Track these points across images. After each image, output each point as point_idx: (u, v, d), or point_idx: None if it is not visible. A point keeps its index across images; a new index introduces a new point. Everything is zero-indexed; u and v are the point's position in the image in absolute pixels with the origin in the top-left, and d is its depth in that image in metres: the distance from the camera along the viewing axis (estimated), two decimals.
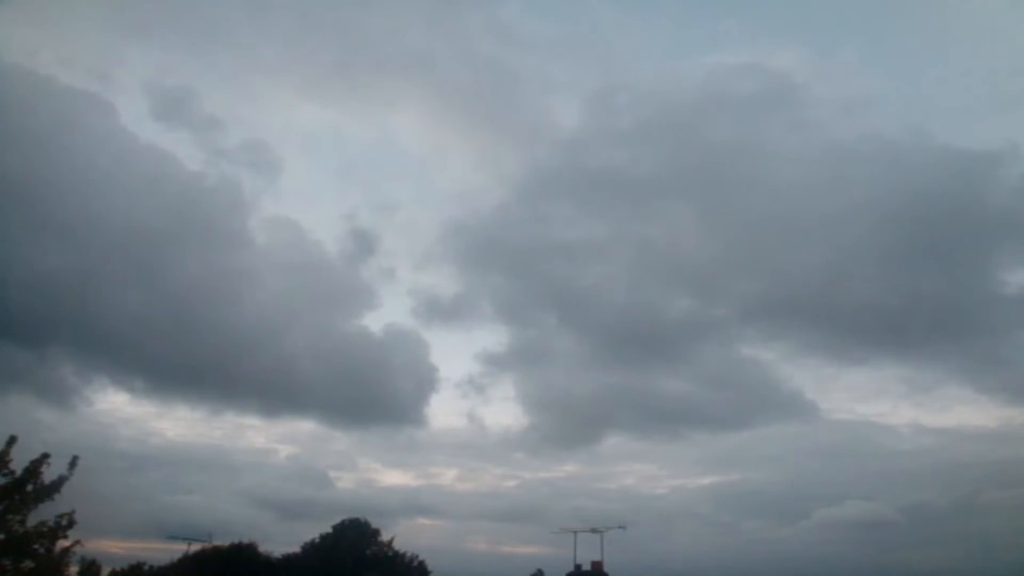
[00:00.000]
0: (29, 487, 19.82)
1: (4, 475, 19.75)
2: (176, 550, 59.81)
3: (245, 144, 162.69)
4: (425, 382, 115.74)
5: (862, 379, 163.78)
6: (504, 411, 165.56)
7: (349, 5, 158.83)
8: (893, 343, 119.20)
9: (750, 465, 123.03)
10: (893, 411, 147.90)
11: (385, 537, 63.11)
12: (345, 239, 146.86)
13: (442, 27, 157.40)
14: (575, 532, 63.78)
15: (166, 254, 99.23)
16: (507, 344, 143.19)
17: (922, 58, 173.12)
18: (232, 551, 59.49)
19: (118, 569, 56.37)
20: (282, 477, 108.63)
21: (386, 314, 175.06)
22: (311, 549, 61.19)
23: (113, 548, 66.34)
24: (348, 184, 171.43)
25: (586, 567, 62.42)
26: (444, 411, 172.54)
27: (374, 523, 63.58)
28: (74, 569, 22.87)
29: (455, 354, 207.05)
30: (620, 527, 63.92)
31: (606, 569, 61.80)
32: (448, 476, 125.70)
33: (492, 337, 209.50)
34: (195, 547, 59.41)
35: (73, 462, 20.19)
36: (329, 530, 62.29)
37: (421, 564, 63.21)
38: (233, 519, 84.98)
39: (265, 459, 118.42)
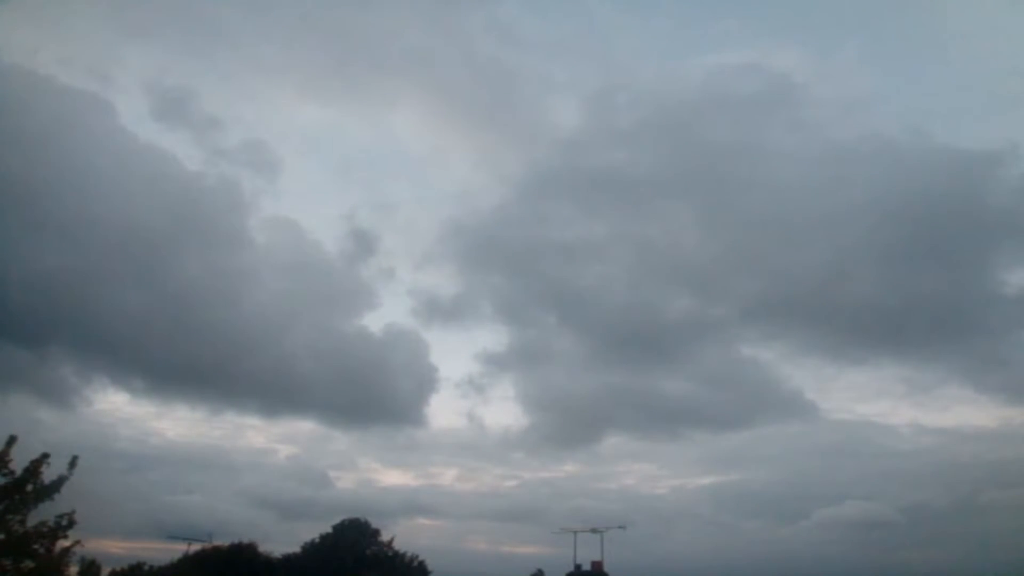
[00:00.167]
0: (29, 487, 19.80)
1: (4, 475, 19.73)
2: (176, 550, 59.97)
3: (245, 144, 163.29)
4: (425, 382, 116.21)
5: (862, 379, 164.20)
6: (504, 411, 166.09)
7: (348, 5, 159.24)
8: (893, 343, 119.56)
9: (750, 465, 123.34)
10: (893, 411, 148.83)
11: (385, 537, 63.22)
12: (345, 239, 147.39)
13: (441, 27, 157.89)
14: (575, 532, 63.88)
15: (166, 254, 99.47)
16: (507, 344, 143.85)
17: (922, 58, 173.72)
18: (232, 551, 59.49)
19: (118, 569, 56.48)
20: (282, 477, 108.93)
21: (386, 314, 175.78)
22: (311, 549, 61.18)
23: (113, 548, 66.43)
24: (348, 184, 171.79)
25: (586, 567, 62.47)
26: (444, 411, 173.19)
27: (374, 523, 63.74)
28: (74, 569, 22.85)
29: (455, 354, 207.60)
30: (620, 527, 64.01)
31: (606, 569, 61.84)
32: (448, 476, 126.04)
33: (492, 337, 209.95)
34: (195, 547, 59.52)
35: (73, 462, 20.18)
36: (329, 530, 62.35)
37: (421, 564, 63.23)
38: (233, 519, 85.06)
39: (265, 459, 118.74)
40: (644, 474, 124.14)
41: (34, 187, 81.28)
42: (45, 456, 20.04)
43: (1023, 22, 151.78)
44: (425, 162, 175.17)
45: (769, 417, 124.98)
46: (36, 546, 19.81)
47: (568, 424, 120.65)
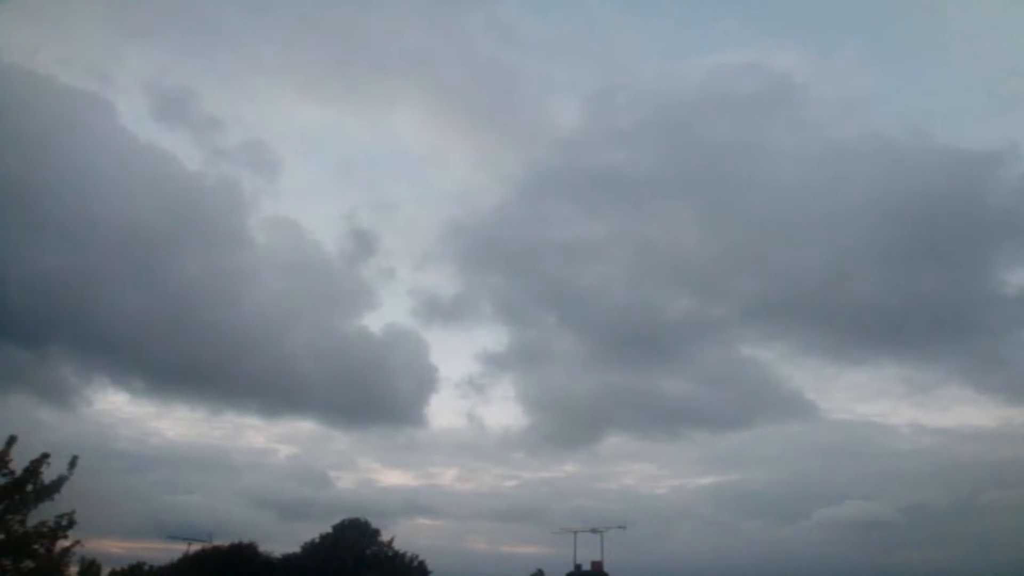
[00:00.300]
0: (29, 487, 19.80)
1: (4, 475, 19.74)
2: (176, 550, 60.00)
3: (245, 144, 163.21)
4: (425, 382, 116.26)
5: (862, 379, 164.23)
6: (504, 411, 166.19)
7: (348, 5, 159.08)
8: (893, 343, 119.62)
9: (750, 465, 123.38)
10: (893, 411, 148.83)
11: (384, 537, 63.21)
12: (345, 239, 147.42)
13: (441, 27, 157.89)
14: (575, 532, 63.87)
15: (166, 254, 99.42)
16: (507, 344, 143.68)
17: (922, 58, 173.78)
18: (232, 551, 59.51)
19: (118, 569, 56.53)
20: (282, 477, 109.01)
21: (386, 314, 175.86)
22: (311, 549, 61.18)
23: (113, 548, 66.49)
24: (348, 184, 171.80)
25: (586, 567, 62.48)
26: (444, 411, 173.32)
27: (374, 523, 63.71)
28: (74, 569, 22.86)
29: (455, 354, 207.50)
30: (620, 527, 64.02)
31: (606, 569, 61.84)
32: (447, 476, 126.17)
33: (492, 337, 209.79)
34: (195, 547, 59.54)
35: (73, 462, 20.19)
36: (329, 530, 62.34)
37: (421, 564, 63.21)
38: (233, 519, 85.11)
39: (264, 459, 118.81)
40: (644, 474, 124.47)
41: (34, 187, 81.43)
42: (45, 456, 20.05)
43: (1023, 22, 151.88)
44: (425, 162, 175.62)
45: (769, 417, 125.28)
46: (36, 546, 19.81)
47: (568, 424, 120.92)
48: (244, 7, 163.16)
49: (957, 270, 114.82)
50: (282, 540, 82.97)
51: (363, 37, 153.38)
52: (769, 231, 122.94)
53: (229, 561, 57.84)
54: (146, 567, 58.18)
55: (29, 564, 20.11)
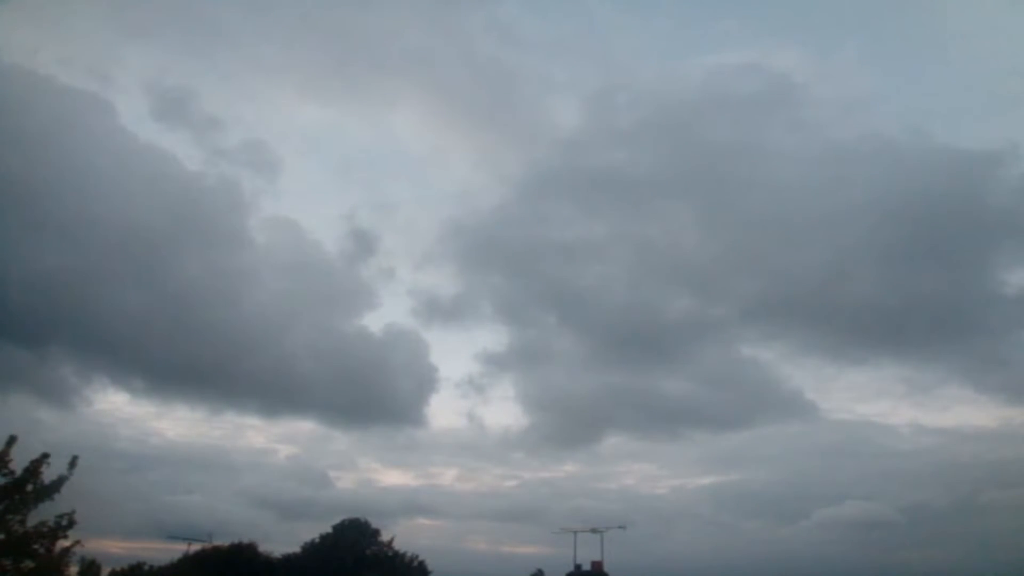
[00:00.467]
0: (29, 487, 19.80)
1: (4, 475, 19.74)
2: (176, 550, 59.99)
3: (245, 144, 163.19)
4: (425, 382, 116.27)
5: (863, 379, 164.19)
6: (504, 411, 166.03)
7: (348, 5, 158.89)
8: (893, 343, 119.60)
9: (750, 465, 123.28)
10: (893, 411, 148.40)
11: (384, 537, 63.23)
12: (345, 239, 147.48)
13: (442, 27, 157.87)
14: (575, 532, 63.82)
15: (166, 254, 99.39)
16: (507, 344, 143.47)
17: (922, 58, 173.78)
18: (232, 551, 59.51)
19: (118, 569, 56.55)
20: (282, 477, 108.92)
21: (386, 314, 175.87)
22: (311, 549, 61.19)
23: (113, 548, 66.47)
24: (348, 184, 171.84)
25: (586, 567, 62.47)
26: (444, 411, 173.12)
27: (374, 523, 63.74)
28: (74, 569, 22.85)
29: (455, 354, 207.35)
30: (620, 527, 63.96)
31: (605, 569, 61.83)
32: (448, 476, 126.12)
33: (492, 337, 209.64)
34: (195, 547, 59.52)
35: (73, 462, 20.18)
36: (329, 530, 62.37)
37: (421, 564, 63.22)
38: (233, 519, 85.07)
39: (265, 459, 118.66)
40: (644, 474, 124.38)
41: (34, 187, 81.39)
42: (45, 456, 20.05)
43: (1023, 22, 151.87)
44: (425, 162, 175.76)
45: (769, 417, 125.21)
46: (36, 546, 19.81)
47: (568, 424, 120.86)
48: (244, 7, 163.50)
49: (957, 270, 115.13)
50: (282, 540, 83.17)
51: (363, 37, 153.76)
52: (769, 231, 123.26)
53: (229, 561, 57.85)
54: (146, 567, 58.22)
55: (29, 564, 20.11)
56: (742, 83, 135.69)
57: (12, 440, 19.91)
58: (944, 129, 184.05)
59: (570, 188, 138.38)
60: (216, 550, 59.33)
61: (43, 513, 19.91)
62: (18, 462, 19.79)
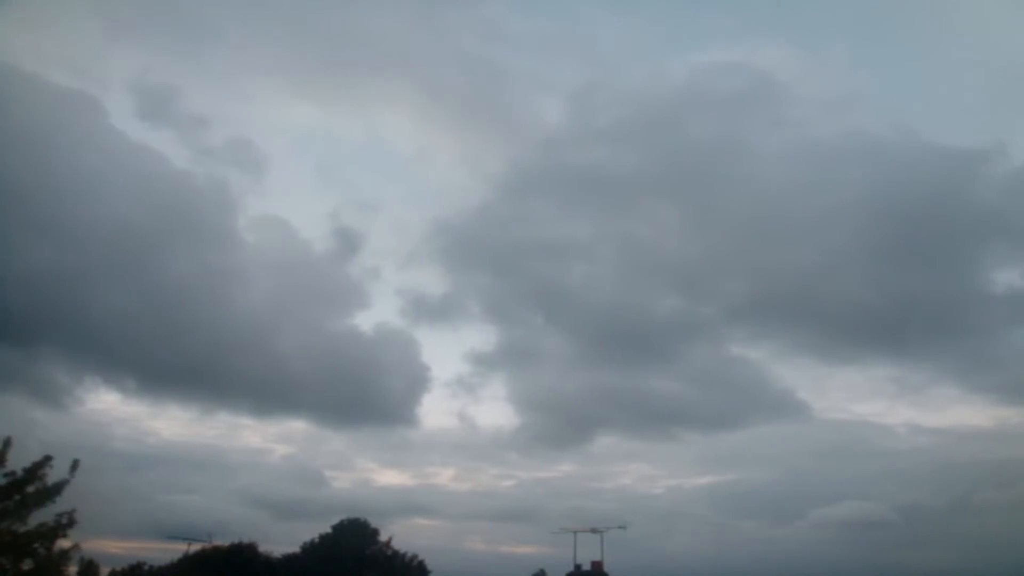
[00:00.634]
0: (31, 489, 19.91)
1: (3, 476, 19.85)
2: (175, 550, 59.98)
3: (233, 143, 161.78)
4: (417, 381, 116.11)
5: (859, 379, 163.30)
6: (494, 411, 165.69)
7: (334, 4, 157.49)
8: (883, 343, 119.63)
9: (746, 465, 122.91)
10: (888, 411, 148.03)
11: (383, 537, 63.38)
12: (331, 238, 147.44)
13: (428, 26, 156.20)
14: (575, 532, 63.83)
15: (157, 253, 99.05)
16: (495, 344, 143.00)
17: (910, 56, 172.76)
18: (232, 551, 59.62)
19: (118, 569, 56.62)
20: (276, 477, 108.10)
21: (375, 314, 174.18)
22: (311, 549, 61.34)
23: (111, 548, 66.36)
24: (334, 183, 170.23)
25: (585, 567, 62.53)
26: (435, 411, 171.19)
27: (371, 523, 63.82)
28: (73, 569, 22.95)
29: (444, 354, 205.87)
30: (620, 527, 63.98)
31: (605, 569, 61.91)
32: (443, 476, 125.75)
33: (480, 336, 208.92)
34: (195, 547, 59.56)
35: (74, 465, 20.28)
36: (328, 530, 62.54)
37: (421, 564, 63.39)
38: (229, 518, 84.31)
39: (259, 459, 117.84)
40: (640, 474, 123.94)
41: (23, 186, 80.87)
42: (48, 458, 20.16)
43: (1012, 19, 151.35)
44: (411, 161, 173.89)
45: (763, 417, 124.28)
46: (36, 546, 19.92)
47: (559, 424, 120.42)
48: (231, 6, 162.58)
49: (945, 269, 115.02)
50: (279, 540, 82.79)
51: (349, 36, 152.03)
52: (756, 230, 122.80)
53: (229, 561, 57.95)
54: (146, 567, 58.32)
55: (29, 564, 20.22)
56: (729, 81, 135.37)
57: (8, 441, 20.01)
58: (932, 127, 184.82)
59: (555, 186, 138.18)
60: (216, 550, 59.40)
61: (42, 514, 20.01)
62: (13, 462, 19.89)
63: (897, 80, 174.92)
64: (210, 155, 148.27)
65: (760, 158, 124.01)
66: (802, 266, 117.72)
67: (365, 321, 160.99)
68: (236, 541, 61.15)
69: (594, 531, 63.09)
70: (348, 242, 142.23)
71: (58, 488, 19.99)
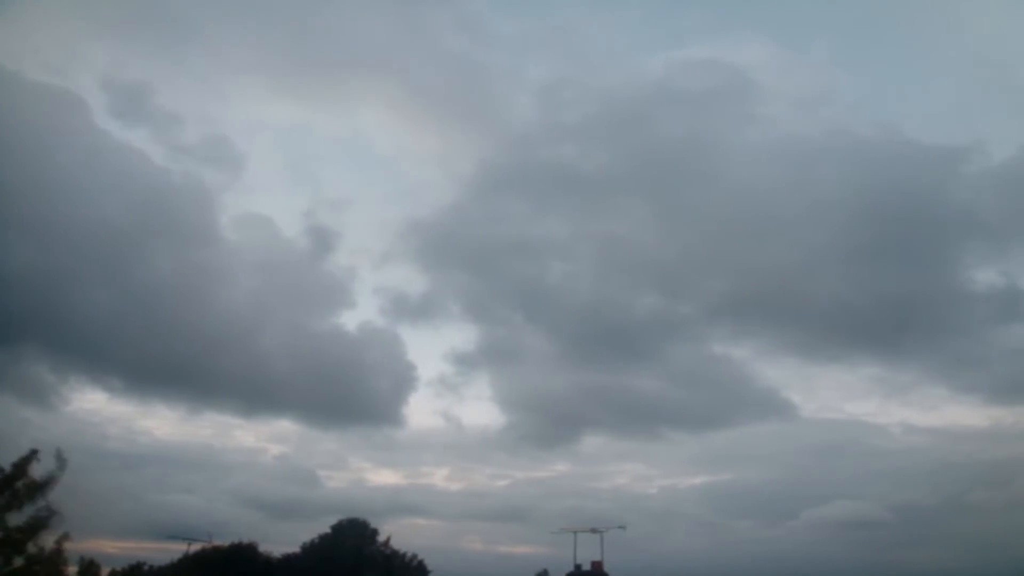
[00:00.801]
0: (19, 484, 20.02)
1: None
2: (175, 550, 59.92)
3: (209, 140, 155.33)
4: (403, 381, 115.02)
5: (847, 377, 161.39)
6: (479, 410, 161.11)
7: (313, 2, 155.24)
8: (868, 341, 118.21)
9: (740, 465, 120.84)
10: (880, 410, 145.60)
11: (382, 537, 63.42)
12: (310, 237, 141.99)
13: (408, 24, 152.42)
14: (575, 532, 63.61)
15: (141, 252, 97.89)
16: (477, 343, 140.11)
17: (892, 53, 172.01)
18: (232, 551, 59.69)
19: (118, 569, 56.74)
20: (270, 477, 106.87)
21: (357, 313, 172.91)
22: (310, 549, 61.40)
23: (109, 548, 66.25)
24: (310, 181, 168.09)
25: (584, 567, 62.29)
26: (420, 410, 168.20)
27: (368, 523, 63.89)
28: (73, 569, 23.06)
29: (425, 353, 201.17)
30: (620, 527, 63.75)
31: (605, 569, 61.72)
32: (436, 475, 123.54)
33: (461, 336, 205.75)
34: (195, 547, 59.55)
35: (59, 457, 20.39)
36: (327, 530, 62.60)
37: (420, 564, 63.40)
38: (223, 519, 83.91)
39: (253, 458, 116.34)
40: (634, 474, 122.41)
41: (5, 185, 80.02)
42: (34, 452, 20.28)
43: (994, 17, 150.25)
44: (389, 159, 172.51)
45: (752, 416, 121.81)
46: (22, 539, 20.01)
47: (545, 423, 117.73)
48: (209, 4, 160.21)
49: (927, 267, 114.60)
50: (275, 539, 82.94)
51: (327, 34, 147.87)
52: (734, 228, 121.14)
53: (229, 561, 58.04)
54: (146, 567, 58.45)
55: (20, 561, 20.32)
56: (704, 78, 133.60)
57: None
58: (913, 125, 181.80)
59: (532, 184, 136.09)
60: (216, 550, 59.44)
61: (31, 510, 20.12)
62: (3, 461, 20.00)
63: (878, 77, 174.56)
64: (186, 153, 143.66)
65: (737, 155, 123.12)
66: (782, 264, 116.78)
67: (349, 320, 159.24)
68: (236, 541, 61.37)
69: (594, 531, 62.90)
70: (323, 240, 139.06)
71: (47, 483, 20.09)
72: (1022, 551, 70.13)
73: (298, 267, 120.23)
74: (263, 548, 62.14)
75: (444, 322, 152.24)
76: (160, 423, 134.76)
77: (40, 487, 20.42)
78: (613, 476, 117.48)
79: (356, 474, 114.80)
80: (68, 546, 21.33)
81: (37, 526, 20.09)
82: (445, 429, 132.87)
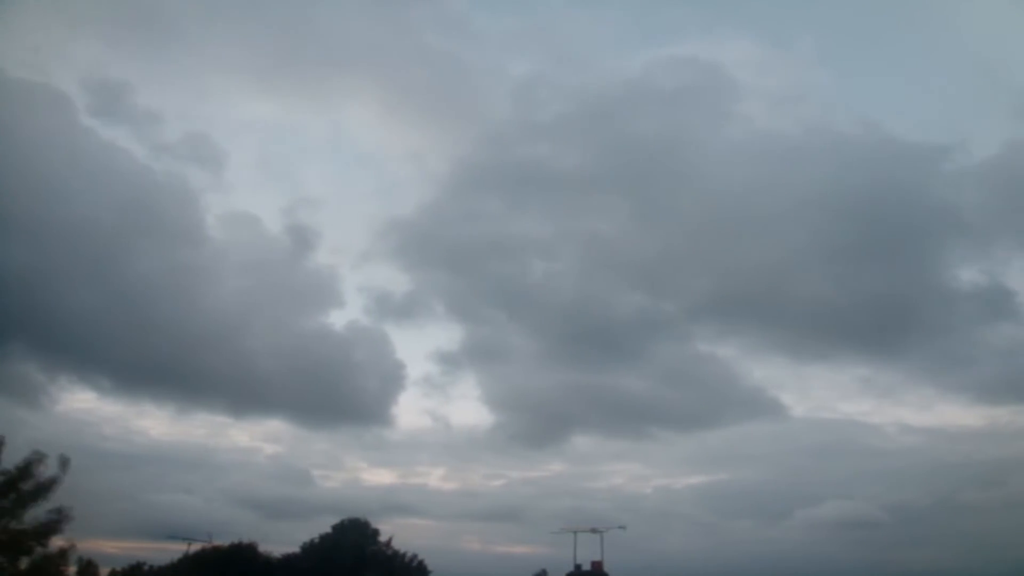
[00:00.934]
0: (24, 486, 20.07)
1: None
2: (174, 550, 59.87)
3: (190, 138, 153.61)
4: (393, 380, 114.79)
5: (837, 376, 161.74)
6: (466, 409, 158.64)
7: (296, 1, 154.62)
8: (854, 340, 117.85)
9: (734, 465, 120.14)
10: (876, 410, 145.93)
11: (383, 537, 63.50)
12: (290, 235, 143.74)
13: (390, 22, 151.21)
14: (575, 532, 63.61)
15: (126, 250, 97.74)
16: (461, 342, 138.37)
17: (878, 51, 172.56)
18: (232, 551, 59.68)
19: (117, 569, 56.74)
20: (264, 476, 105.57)
21: (345, 313, 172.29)
22: (311, 549, 61.44)
23: (108, 548, 66.05)
24: (290, 179, 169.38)
25: (571, 568, 62.11)
26: (408, 410, 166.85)
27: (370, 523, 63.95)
28: (72, 569, 23.11)
29: (411, 352, 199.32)
30: (620, 527, 63.77)
31: (605, 569, 61.79)
32: (432, 475, 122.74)
33: (446, 335, 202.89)
34: (195, 547, 59.51)
35: (63, 462, 20.44)
36: (328, 530, 62.66)
37: (420, 564, 63.44)
38: (220, 518, 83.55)
39: (248, 458, 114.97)
40: (630, 474, 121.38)
41: None
42: (40, 455, 20.32)
43: (978, 15, 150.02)
44: (371, 156, 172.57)
45: (742, 415, 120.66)
46: (32, 543, 20.06)
47: (533, 423, 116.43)
48: (190, 2, 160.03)
49: (910, 266, 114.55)
50: (272, 539, 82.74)
51: (308, 31, 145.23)
52: (716, 227, 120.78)
53: (229, 561, 58.03)
54: (146, 567, 58.43)
55: (25, 562, 20.37)
56: (692, 75, 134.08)
57: (1, 441, 20.16)
58: (897, 123, 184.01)
59: (513, 182, 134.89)
60: (216, 550, 59.41)
61: (37, 512, 20.17)
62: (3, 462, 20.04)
63: (863, 75, 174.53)
64: (167, 151, 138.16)
65: (718, 153, 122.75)
66: (764, 263, 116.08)
67: (337, 319, 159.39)
68: (236, 541, 61.34)
69: (594, 531, 62.92)
70: (303, 239, 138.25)
71: (51, 485, 20.14)
72: (1017, 551, 69.96)
73: (283, 266, 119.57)
74: (262, 548, 62.20)
75: (428, 321, 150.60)
76: (155, 423, 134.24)
77: (44, 489, 20.40)
78: (608, 476, 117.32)
79: (351, 474, 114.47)
80: (67, 545, 21.27)
81: (48, 530, 20.11)
82: (434, 429, 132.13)
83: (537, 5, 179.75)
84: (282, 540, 63.99)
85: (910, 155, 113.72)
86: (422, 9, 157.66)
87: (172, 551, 60.03)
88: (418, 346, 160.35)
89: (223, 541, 60.59)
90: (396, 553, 62.78)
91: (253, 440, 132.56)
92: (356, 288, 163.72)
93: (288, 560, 61.49)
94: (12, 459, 20.55)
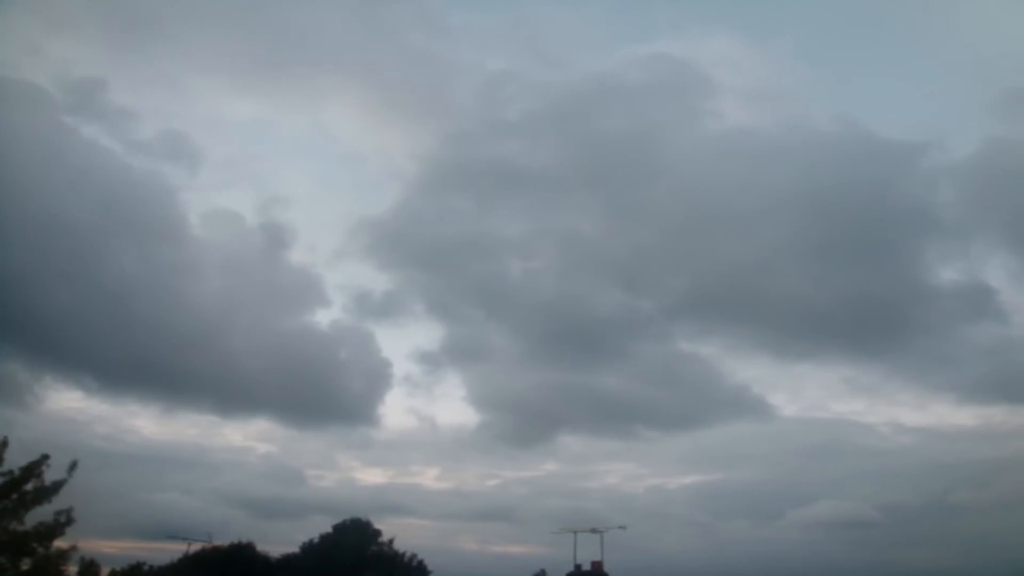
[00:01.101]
0: (28, 487, 19.97)
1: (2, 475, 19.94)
2: (174, 550, 59.75)
3: (166, 136, 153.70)
4: (380, 378, 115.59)
5: (825, 376, 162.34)
6: (449, 409, 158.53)
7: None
8: (836, 339, 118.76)
9: (728, 465, 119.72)
10: (869, 409, 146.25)
11: (383, 537, 63.45)
12: (264, 233, 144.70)
13: (368, 19, 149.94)
14: (575, 532, 63.60)
15: (110, 249, 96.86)
16: (441, 341, 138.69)
17: (858, 48, 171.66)
18: (232, 551, 59.60)
19: (118, 569, 56.45)
20: (257, 476, 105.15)
21: (330, 312, 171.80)
22: (310, 549, 61.37)
23: (106, 548, 65.75)
24: (269, 178, 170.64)
25: (571, 568, 62.12)
26: (394, 409, 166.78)
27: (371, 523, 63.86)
28: (73, 569, 22.97)
29: (392, 351, 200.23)
30: (620, 527, 63.74)
31: (605, 569, 61.78)
32: (423, 475, 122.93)
33: (426, 334, 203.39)
34: (195, 547, 59.42)
35: (72, 465, 20.34)
36: (329, 530, 62.62)
37: (421, 564, 63.43)
38: (214, 518, 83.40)
39: (241, 457, 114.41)
40: (624, 474, 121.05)
41: None
42: (45, 457, 20.21)
43: (959, 13, 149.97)
44: (346, 155, 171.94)
45: (729, 414, 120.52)
46: (35, 545, 19.95)
47: (518, 422, 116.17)
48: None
49: (890, 265, 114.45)
50: (267, 539, 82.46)
51: (287, 29, 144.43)
52: (694, 225, 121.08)
53: (229, 561, 57.94)
54: (146, 567, 58.19)
55: (27, 563, 20.24)
56: (671, 72, 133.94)
57: (4, 442, 20.07)
58: (876, 121, 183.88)
59: (486, 180, 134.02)
60: (216, 550, 59.34)
61: (40, 513, 20.07)
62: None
63: (841, 72, 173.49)
64: (142, 149, 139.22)
65: (693, 150, 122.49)
66: (742, 261, 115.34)
67: (322, 318, 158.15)
68: (235, 541, 61.28)
69: (594, 531, 62.90)
70: (278, 238, 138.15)
71: (56, 487, 20.03)
72: (1012, 551, 69.89)
73: (266, 263, 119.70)
74: (260, 548, 62.12)
75: (408, 320, 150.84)
76: (146, 422, 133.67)
77: (48, 491, 20.30)
78: (602, 476, 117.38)
79: (344, 473, 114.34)
80: (68, 546, 21.15)
81: (53, 532, 19.99)
82: (420, 428, 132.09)
83: (516, 2, 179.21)
84: (278, 540, 64.05)
85: (889, 152, 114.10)
86: (400, 7, 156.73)
87: (173, 551, 59.97)
88: (399, 345, 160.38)
89: (220, 541, 60.68)
90: (397, 554, 62.75)
91: (246, 440, 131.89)
92: (335, 286, 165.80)
93: (288, 560, 61.43)
94: (13, 460, 20.28)
